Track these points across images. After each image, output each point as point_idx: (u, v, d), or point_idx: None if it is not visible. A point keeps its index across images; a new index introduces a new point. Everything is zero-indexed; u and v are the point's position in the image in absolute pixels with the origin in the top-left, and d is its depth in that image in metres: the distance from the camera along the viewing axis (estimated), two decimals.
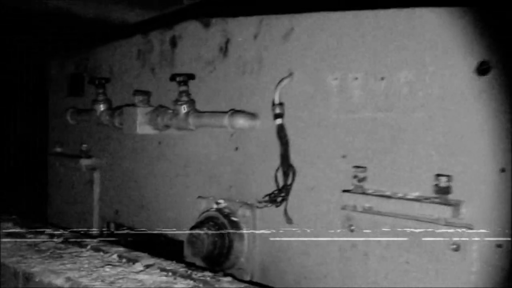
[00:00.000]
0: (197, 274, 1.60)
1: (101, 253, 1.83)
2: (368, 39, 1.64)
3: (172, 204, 2.36)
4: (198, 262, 2.00)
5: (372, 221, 1.59)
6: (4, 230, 2.13)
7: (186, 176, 2.29)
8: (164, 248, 2.35)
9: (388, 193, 1.58)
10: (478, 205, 1.41)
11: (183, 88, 2.14)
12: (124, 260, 1.75)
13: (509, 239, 1.35)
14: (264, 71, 1.97)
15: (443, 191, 1.43)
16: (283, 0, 2.09)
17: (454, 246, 1.42)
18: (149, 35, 2.51)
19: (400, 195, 1.55)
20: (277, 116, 1.84)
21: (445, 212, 1.42)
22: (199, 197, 2.17)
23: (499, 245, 1.37)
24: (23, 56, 4.07)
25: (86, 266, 1.68)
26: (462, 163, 1.43)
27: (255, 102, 1.99)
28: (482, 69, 1.38)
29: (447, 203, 1.42)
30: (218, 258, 1.96)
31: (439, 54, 1.48)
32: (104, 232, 2.75)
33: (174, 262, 1.71)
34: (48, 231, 2.12)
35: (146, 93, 2.34)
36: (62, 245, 1.94)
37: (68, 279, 1.53)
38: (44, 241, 1.98)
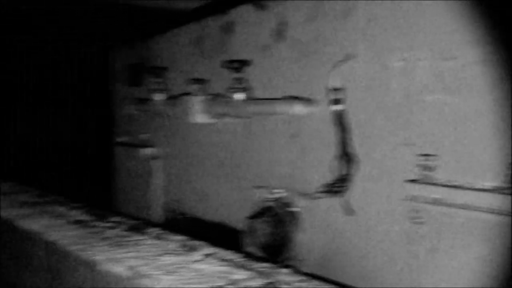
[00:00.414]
0: (256, 265, 1.58)
1: (163, 241, 1.85)
2: (435, 16, 1.52)
3: (230, 193, 2.35)
4: (257, 252, 1.99)
5: (441, 213, 1.48)
6: (73, 218, 2.22)
7: (243, 165, 2.27)
8: (223, 236, 2.36)
9: (458, 183, 1.47)
10: None
11: (238, 74, 2.11)
12: (184, 249, 1.76)
13: None
14: (321, 55, 1.89)
15: None
16: None
17: None
18: (205, 21, 2.49)
19: (471, 185, 1.44)
20: (335, 101, 1.76)
21: None
22: (257, 186, 2.14)
23: None
24: (85, 46, 4.20)
25: (147, 254, 1.70)
26: None
27: (312, 87, 1.92)
28: None
29: None
30: (277, 249, 1.93)
31: None
32: (166, 219, 2.81)
33: (233, 251, 1.70)
34: (114, 219, 2.18)
35: (202, 81, 2.34)
36: (126, 233, 1.98)
37: (130, 267, 1.56)
38: (109, 229, 2.03)
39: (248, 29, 2.23)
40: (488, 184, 1.41)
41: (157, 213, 2.84)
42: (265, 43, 2.14)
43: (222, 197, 2.40)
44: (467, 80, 1.45)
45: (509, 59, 1.37)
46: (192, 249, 1.73)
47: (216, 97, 2.24)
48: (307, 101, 1.92)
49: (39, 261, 2.01)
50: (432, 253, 1.51)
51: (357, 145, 1.75)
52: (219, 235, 2.38)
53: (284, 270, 1.52)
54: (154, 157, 2.87)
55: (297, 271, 1.54)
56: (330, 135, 1.83)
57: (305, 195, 1.93)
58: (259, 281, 1.43)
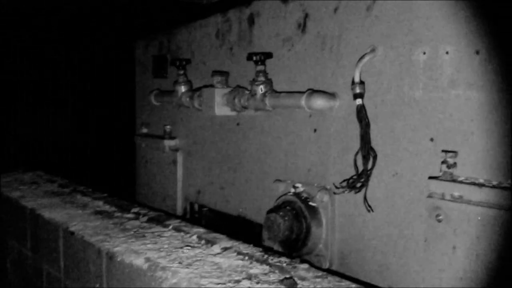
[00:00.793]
0: (273, 259, 1.56)
1: (182, 234, 1.85)
2: (461, 7, 1.46)
3: (250, 186, 2.34)
4: (275, 247, 1.97)
5: (462, 211, 1.44)
6: (94, 209, 2.24)
7: (264, 158, 2.25)
8: (243, 230, 2.35)
9: (481, 181, 1.43)
10: None
11: (260, 67, 2.08)
12: (203, 242, 1.76)
13: None
14: (344, 48, 1.85)
15: None
16: None
17: None
18: (228, 13, 2.47)
19: (494, 183, 1.39)
20: (357, 95, 1.72)
21: None
22: (277, 180, 2.13)
23: None
24: (110, 37, 4.24)
25: (166, 246, 1.71)
26: None
27: (335, 81, 1.89)
28: None
29: None
30: (295, 244, 1.91)
31: None
32: (187, 212, 2.82)
33: (251, 245, 1.69)
34: (134, 210, 2.19)
35: (224, 74, 2.32)
36: (146, 224, 1.99)
37: (148, 259, 1.57)
38: (129, 220, 2.05)
39: (271, 21, 2.20)
40: (509, 182, 1.36)
41: (177, 205, 2.86)
42: (288, 35, 2.11)
43: (241, 190, 2.39)
44: (490, 75, 1.40)
45: None
46: (211, 242, 1.73)
47: (237, 90, 2.23)
48: (329, 95, 1.88)
49: (57, 251, 2.05)
50: (452, 251, 1.47)
51: (379, 141, 1.72)
52: (238, 228, 2.38)
53: (302, 265, 1.51)
54: (176, 149, 2.88)
55: (315, 267, 1.52)
56: (352, 130, 1.79)
57: (325, 190, 1.90)
58: (276, 276, 1.42)
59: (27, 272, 2.40)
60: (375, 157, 1.70)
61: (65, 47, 4.27)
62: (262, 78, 2.08)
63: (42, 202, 2.36)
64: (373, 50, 1.73)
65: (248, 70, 2.25)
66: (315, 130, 1.98)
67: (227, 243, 1.73)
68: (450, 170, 1.48)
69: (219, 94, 2.25)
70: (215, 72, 2.34)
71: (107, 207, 2.27)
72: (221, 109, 2.26)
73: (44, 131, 4.30)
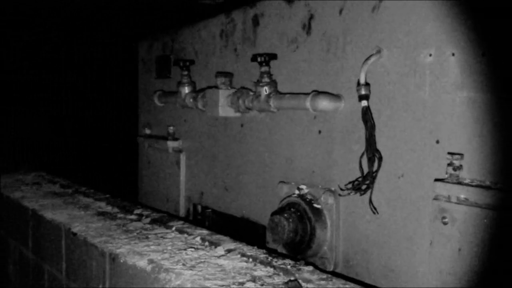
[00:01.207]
0: (278, 262, 1.55)
1: (185, 235, 1.85)
2: (467, 10, 1.45)
3: (254, 187, 2.33)
4: (280, 249, 1.96)
5: (468, 214, 1.43)
6: (96, 210, 2.23)
7: (268, 159, 2.24)
8: (246, 231, 2.34)
9: (487, 183, 1.42)
10: None
11: (264, 68, 2.08)
12: (206, 243, 1.75)
13: None
14: (349, 49, 1.84)
15: None
16: None
17: None
18: (232, 14, 2.47)
19: (500, 185, 1.38)
20: (362, 97, 1.71)
21: None
22: (281, 181, 2.12)
23: None
24: (113, 37, 4.24)
25: (169, 248, 1.70)
26: None
27: (340, 83, 1.88)
28: None
29: None
30: (300, 246, 1.90)
31: None
32: (190, 213, 2.81)
33: (255, 247, 1.68)
34: (137, 211, 2.19)
35: (228, 75, 2.32)
36: (149, 226, 1.98)
37: (151, 261, 1.56)
38: (132, 221, 2.04)
39: (276, 22, 2.20)
40: None
41: (180, 206, 2.85)
42: (293, 36, 2.10)
43: (245, 191, 2.38)
44: (496, 77, 1.39)
45: None
46: (215, 243, 1.72)
47: (241, 91, 2.22)
48: (334, 96, 1.87)
49: (59, 252, 2.04)
50: (458, 253, 1.45)
51: (384, 142, 1.71)
52: (242, 230, 2.37)
53: (306, 268, 1.50)
54: (179, 150, 2.87)
55: (319, 269, 1.51)
56: (357, 131, 1.78)
57: (330, 192, 1.89)
58: (281, 278, 1.41)
59: (28, 273, 2.39)
60: (380, 159, 1.69)
61: (67, 47, 4.27)
62: (266, 79, 2.07)
63: (44, 203, 2.35)
64: (378, 52, 1.72)
65: (252, 71, 2.25)
66: (319, 132, 1.97)
67: (231, 245, 1.72)
68: (456, 173, 1.47)
69: (223, 95, 2.25)
70: (219, 73, 2.33)
71: (109, 208, 2.26)
72: (225, 110, 2.25)
73: (44, 131, 4.30)
